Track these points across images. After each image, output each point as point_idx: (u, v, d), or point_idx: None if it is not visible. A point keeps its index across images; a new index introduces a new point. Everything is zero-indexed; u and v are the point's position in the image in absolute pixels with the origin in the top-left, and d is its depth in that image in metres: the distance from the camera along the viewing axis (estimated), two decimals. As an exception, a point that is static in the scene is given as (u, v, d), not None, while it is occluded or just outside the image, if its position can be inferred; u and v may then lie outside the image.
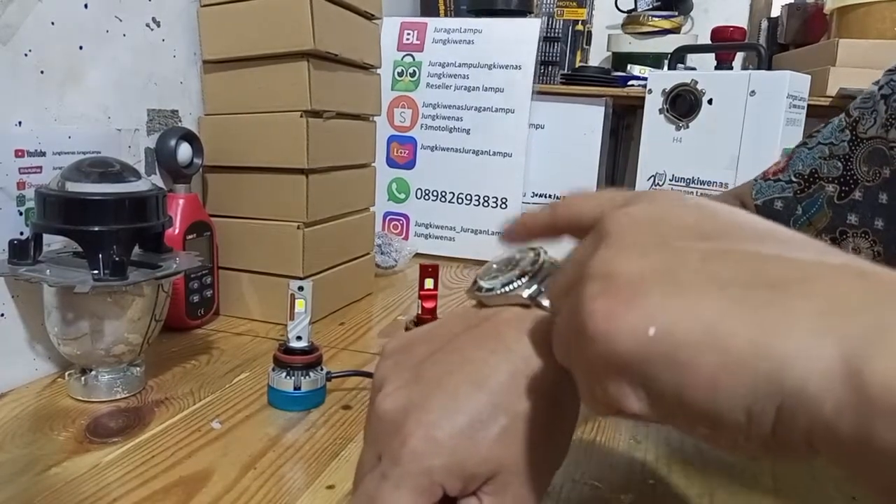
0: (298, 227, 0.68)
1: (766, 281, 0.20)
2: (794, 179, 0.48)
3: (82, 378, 0.51)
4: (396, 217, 1.13)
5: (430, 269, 0.59)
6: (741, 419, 0.19)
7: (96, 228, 0.48)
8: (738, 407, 0.19)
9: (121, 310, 0.50)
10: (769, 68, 1.26)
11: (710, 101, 0.77)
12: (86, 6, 0.57)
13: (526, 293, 0.30)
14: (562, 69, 1.49)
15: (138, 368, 0.53)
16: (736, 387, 0.19)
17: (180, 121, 0.69)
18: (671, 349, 0.20)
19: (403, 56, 1.12)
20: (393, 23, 1.12)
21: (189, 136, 0.66)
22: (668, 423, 0.21)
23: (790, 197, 0.47)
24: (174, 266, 0.52)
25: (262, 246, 0.70)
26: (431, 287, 0.59)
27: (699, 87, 0.78)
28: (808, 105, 0.78)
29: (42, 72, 0.53)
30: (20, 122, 0.52)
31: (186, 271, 0.58)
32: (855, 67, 1.19)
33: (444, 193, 1.10)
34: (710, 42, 1.62)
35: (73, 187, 0.48)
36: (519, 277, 0.31)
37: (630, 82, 1.40)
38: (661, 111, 0.81)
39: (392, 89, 1.11)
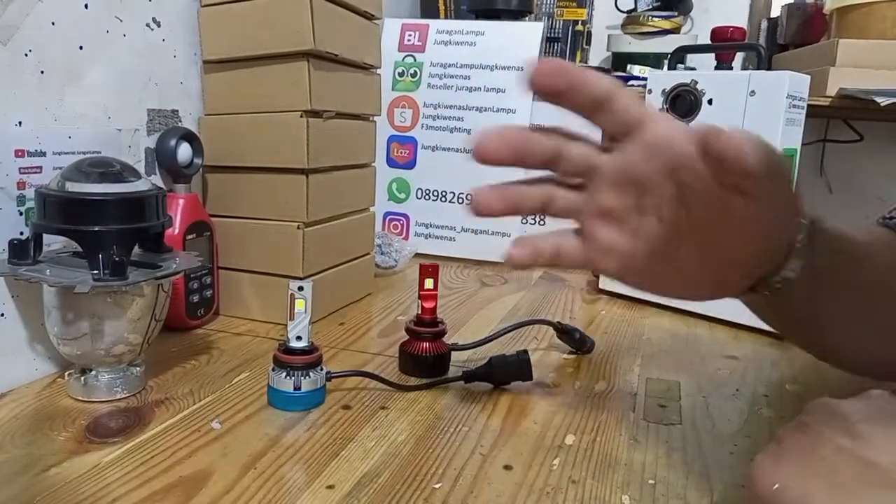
0: (298, 227, 0.68)
1: None
2: None
3: (82, 378, 0.51)
4: (396, 217, 1.13)
5: (430, 269, 0.59)
6: None
7: (96, 228, 0.48)
8: None
9: (121, 310, 0.50)
10: (769, 68, 1.26)
11: (710, 102, 0.77)
12: (86, 6, 0.57)
13: None
14: (562, 69, 1.49)
15: (138, 368, 0.53)
16: None
17: (180, 121, 0.69)
18: None
19: (404, 56, 1.12)
20: (394, 24, 1.12)
21: (189, 136, 0.66)
22: None
23: None
24: (174, 266, 0.52)
25: (262, 246, 0.70)
26: (431, 287, 0.59)
27: (699, 87, 0.78)
28: (808, 105, 0.78)
29: (42, 72, 0.53)
30: (20, 122, 0.52)
31: (186, 271, 0.58)
32: (855, 67, 1.18)
33: (444, 193, 1.10)
34: (709, 42, 1.62)
35: (73, 187, 0.48)
36: None
37: (630, 82, 1.40)
38: (661, 111, 0.81)
39: (393, 89, 1.11)
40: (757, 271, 0.38)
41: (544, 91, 0.35)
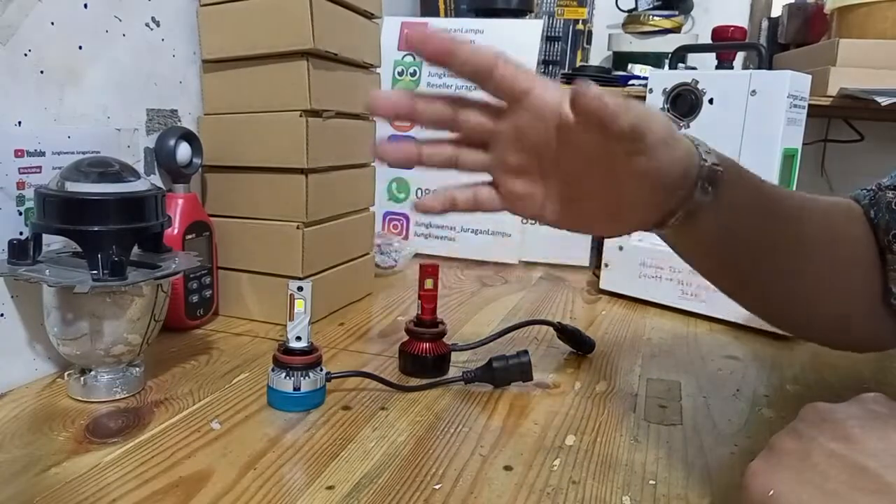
0: (298, 227, 0.68)
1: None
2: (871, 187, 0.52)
3: (82, 378, 0.50)
4: (396, 217, 1.13)
5: (430, 269, 0.59)
6: None
7: (95, 228, 0.48)
8: None
9: (120, 310, 0.50)
10: (770, 68, 1.26)
11: (710, 101, 0.77)
12: (85, 6, 0.57)
13: None
14: (562, 69, 1.49)
15: (138, 369, 0.53)
16: None
17: (180, 120, 0.69)
18: None
19: (404, 56, 1.11)
20: (394, 23, 1.12)
21: (188, 136, 0.66)
22: None
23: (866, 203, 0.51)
24: (173, 266, 0.52)
25: (261, 246, 0.70)
26: (431, 287, 0.59)
27: (700, 86, 0.77)
28: (809, 105, 0.78)
29: (42, 72, 0.53)
30: (20, 122, 0.52)
31: (186, 271, 0.58)
32: (855, 67, 1.18)
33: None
34: (710, 42, 1.61)
35: (73, 187, 0.48)
36: None
37: (631, 82, 1.39)
38: (661, 110, 0.80)
39: (392, 89, 1.11)
40: (659, 207, 0.41)
41: (422, 54, 0.39)
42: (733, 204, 0.43)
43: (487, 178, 0.44)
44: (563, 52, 1.50)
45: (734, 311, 0.74)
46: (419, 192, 1.11)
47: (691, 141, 0.41)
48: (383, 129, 1.09)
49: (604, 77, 1.40)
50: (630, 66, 1.52)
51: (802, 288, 0.49)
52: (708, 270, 0.50)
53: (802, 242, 0.47)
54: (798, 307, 0.50)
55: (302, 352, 0.51)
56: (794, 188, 0.79)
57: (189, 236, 0.65)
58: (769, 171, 0.73)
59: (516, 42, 1.06)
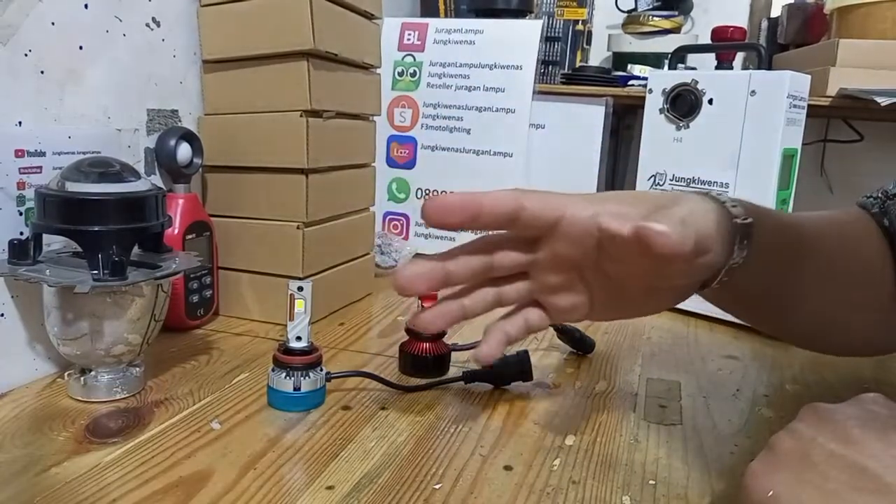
0: (298, 227, 0.68)
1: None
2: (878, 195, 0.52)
3: (82, 378, 0.50)
4: (396, 217, 1.13)
5: (430, 269, 0.59)
6: None
7: (96, 228, 0.48)
8: None
9: (120, 310, 0.50)
10: (769, 68, 1.26)
11: (710, 101, 0.77)
12: (86, 6, 0.57)
13: None
14: (562, 69, 1.49)
15: (138, 369, 0.53)
16: None
17: (180, 121, 0.69)
18: None
19: (404, 56, 1.11)
20: (394, 23, 1.12)
21: (189, 136, 0.66)
22: None
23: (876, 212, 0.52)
24: (174, 266, 0.52)
25: (261, 246, 0.70)
26: (431, 287, 0.59)
27: (699, 86, 0.78)
28: (808, 105, 0.78)
29: (42, 72, 0.53)
30: (20, 122, 0.52)
31: (186, 271, 0.58)
32: (855, 67, 1.18)
33: (444, 193, 1.10)
34: (710, 42, 1.62)
35: (73, 187, 0.48)
36: None
37: (630, 82, 1.40)
38: (661, 111, 0.80)
39: (392, 89, 1.11)
40: (702, 276, 0.41)
41: (445, 228, 0.39)
42: (766, 253, 0.42)
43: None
44: (563, 52, 1.50)
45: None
46: (419, 192, 1.11)
47: (716, 198, 0.40)
48: (383, 128, 1.10)
49: (603, 77, 1.40)
50: (630, 66, 1.52)
51: (830, 305, 0.49)
52: (749, 317, 0.50)
53: (825, 265, 0.47)
54: (827, 329, 0.50)
55: (302, 352, 0.51)
56: (794, 188, 0.80)
57: (189, 236, 0.65)
58: (769, 172, 0.73)
59: (516, 43, 1.06)
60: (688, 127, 0.79)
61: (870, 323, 0.50)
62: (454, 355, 0.60)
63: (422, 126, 1.10)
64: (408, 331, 0.59)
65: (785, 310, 0.48)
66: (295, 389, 0.50)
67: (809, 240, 0.47)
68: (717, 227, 0.38)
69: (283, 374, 0.50)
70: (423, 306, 0.59)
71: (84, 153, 0.55)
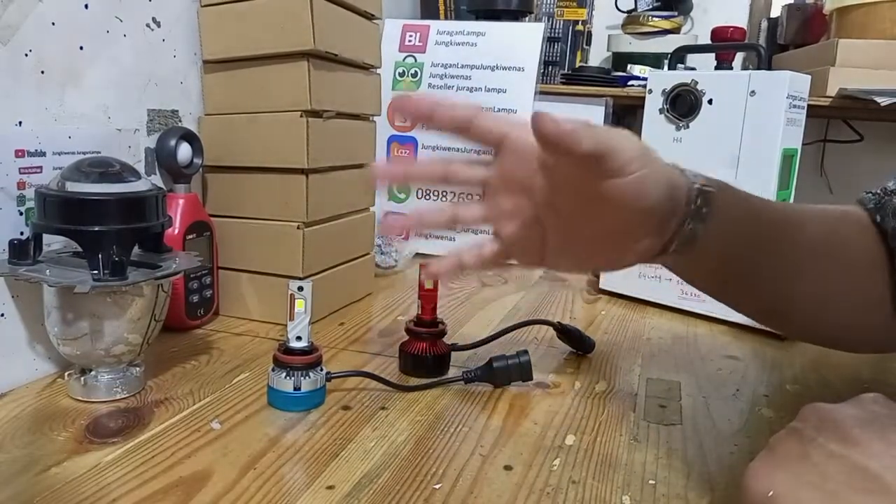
0: (298, 227, 0.68)
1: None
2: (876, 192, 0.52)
3: (82, 378, 0.51)
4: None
5: (430, 269, 0.59)
6: None
7: (96, 228, 0.48)
8: None
9: (120, 310, 0.50)
10: (769, 68, 1.26)
11: (710, 101, 0.77)
12: (86, 6, 0.57)
13: None
14: (562, 69, 1.49)
15: (138, 369, 0.53)
16: None
17: (180, 121, 0.69)
18: None
19: (405, 57, 1.12)
20: (395, 25, 1.12)
21: (189, 136, 0.66)
22: None
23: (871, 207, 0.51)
24: (174, 266, 0.52)
25: (261, 246, 0.70)
26: (431, 287, 0.59)
27: (699, 87, 0.77)
28: (808, 105, 0.78)
29: (42, 72, 0.53)
30: (20, 122, 0.52)
31: (186, 271, 0.58)
32: (855, 67, 1.19)
33: (444, 193, 1.10)
34: (709, 42, 1.62)
35: (73, 187, 0.48)
36: None
37: (630, 82, 1.40)
38: (661, 111, 0.80)
39: (393, 89, 1.11)
40: (656, 234, 0.41)
41: (410, 118, 0.45)
42: (729, 224, 0.43)
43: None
44: (563, 52, 1.50)
45: (734, 311, 0.74)
46: (419, 192, 1.11)
47: (676, 167, 0.42)
48: (384, 129, 1.10)
49: (603, 77, 1.40)
50: (629, 66, 1.52)
51: (806, 298, 0.49)
52: (713, 291, 0.50)
53: (804, 253, 0.47)
54: (802, 317, 0.50)
55: (302, 352, 0.51)
56: (794, 188, 0.80)
57: (189, 236, 0.65)
58: (769, 172, 0.73)
59: (518, 45, 1.06)
60: (687, 127, 0.79)
61: (855, 320, 0.50)
62: (454, 355, 0.60)
63: (422, 126, 1.10)
64: (408, 331, 0.59)
65: (752, 289, 0.48)
66: (295, 389, 0.50)
67: (791, 227, 0.48)
68: (668, 181, 0.40)
69: (283, 374, 0.50)
70: (423, 307, 0.59)
71: (84, 153, 0.55)
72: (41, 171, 0.53)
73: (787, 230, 0.47)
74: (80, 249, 0.49)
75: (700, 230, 0.41)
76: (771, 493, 0.31)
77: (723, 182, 0.43)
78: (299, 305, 0.51)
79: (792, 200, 0.80)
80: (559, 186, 0.42)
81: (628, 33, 1.61)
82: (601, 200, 0.39)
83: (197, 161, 0.67)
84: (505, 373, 0.56)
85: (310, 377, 0.50)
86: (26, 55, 0.52)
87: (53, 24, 0.54)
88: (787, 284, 0.47)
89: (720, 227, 0.42)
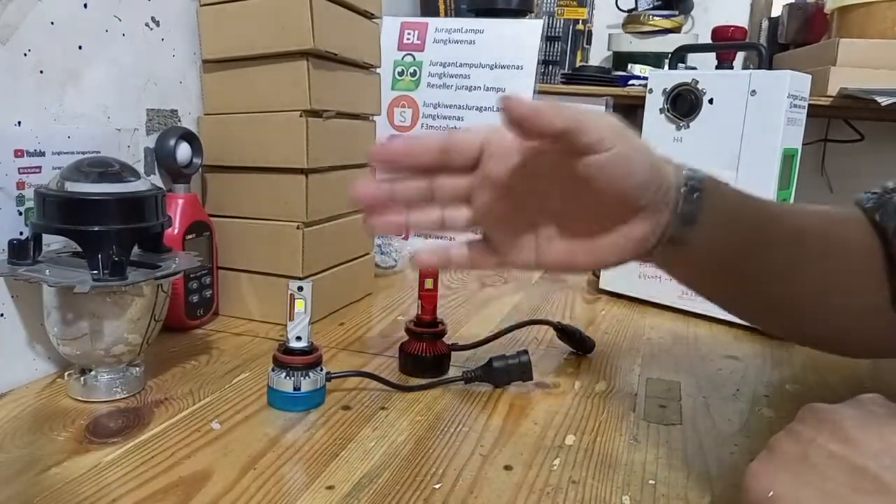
0: (298, 227, 0.68)
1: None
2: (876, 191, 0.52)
3: (82, 378, 0.51)
4: (396, 217, 1.13)
5: (430, 269, 0.59)
6: None
7: (96, 228, 0.48)
8: None
9: (120, 310, 0.50)
10: (770, 68, 1.26)
11: (710, 101, 0.77)
12: (85, 6, 0.57)
13: None
14: (562, 69, 1.49)
15: (138, 369, 0.53)
16: None
17: (180, 120, 0.69)
18: None
19: (404, 56, 1.11)
20: (393, 23, 1.12)
21: (188, 136, 0.66)
22: None
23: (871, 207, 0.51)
24: (173, 266, 0.52)
25: (261, 246, 0.70)
26: (431, 287, 0.59)
27: (700, 86, 0.77)
28: (809, 105, 0.78)
29: (41, 72, 0.53)
30: (20, 122, 0.52)
31: (186, 271, 0.58)
32: (855, 67, 1.19)
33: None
34: (710, 41, 1.62)
35: (73, 187, 0.48)
36: None
37: (630, 82, 1.40)
38: (661, 111, 0.80)
39: (392, 89, 1.11)
40: (645, 223, 0.41)
41: (388, 169, 0.43)
42: (723, 217, 0.43)
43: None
44: (563, 52, 1.50)
45: (734, 311, 0.74)
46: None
47: (663, 156, 0.42)
48: (383, 128, 1.10)
49: (603, 77, 1.40)
50: (630, 66, 1.52)
51: (803, 298, 0.48)
52: (710, 292, 0.50)
53: (801, 252, 0.47)
54: (800, 319, 0.50)
55: (302, 352, 0.51)
56: (794, 188, 0.79)
57: (189, 236, 0.65)
58: (769, 171, 0.73)
59: (516, 43, 1.06)
60: (688, 127, 0.79)
61: (852, 323, 0.50)
62: (454, 355, 0.60)
63: (422, 126, 1.10)
64: (408, 331, 0.59)
65: (749, 289, 0.48)
66: (295, 389, 0.50)
67: (788, 225, 0.47)
68: (652, 161, 0.40)
69: (283, 374, 0.50)
70: (423, 307, 0.59)
71: (84, 153, 0.55)
72: (40, 171, 0.53)
73: (784, 228, 0.47)
74: (79, 249, 0.49)
75: (693, 212, 0.41)
76: (771, 493, 0.31)
77: (716, 178, 0.43)
78: (299, 305, 0.51)
79: (792, 200, 0.80)
80: (544, 177, 0.41)
81: (629, 32, 1.61)
82: (587, 185, 0.39)
83: (196, 161, 0.67)
84: (505, 373, 0.56)
85: (310, 377, 0.50)
86: (25, 55, 0.52)
87: (52, 23, 0.54)
88: (784, 284, 0.47)
89: (714, 219, 0.41)
